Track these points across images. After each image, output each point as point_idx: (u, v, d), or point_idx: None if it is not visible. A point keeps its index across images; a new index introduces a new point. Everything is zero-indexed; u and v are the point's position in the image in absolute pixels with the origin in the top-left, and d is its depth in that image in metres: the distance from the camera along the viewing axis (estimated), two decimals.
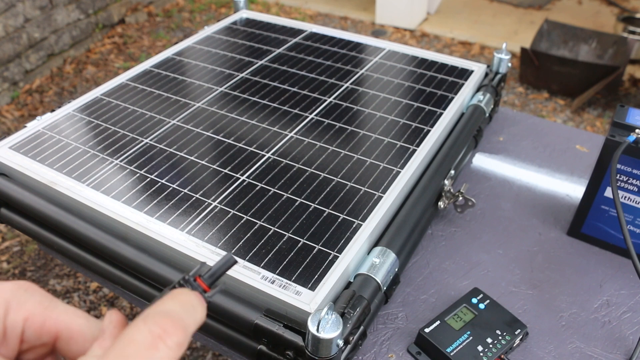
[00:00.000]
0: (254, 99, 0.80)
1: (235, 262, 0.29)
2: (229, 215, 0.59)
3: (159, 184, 0.63)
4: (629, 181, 0.61)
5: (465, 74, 0.86)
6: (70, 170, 0.65)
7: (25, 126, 0.73)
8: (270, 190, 0.62)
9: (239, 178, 0.64)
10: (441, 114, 0.76)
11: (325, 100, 0.79)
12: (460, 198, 0.67)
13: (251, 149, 0.69)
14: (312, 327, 0.43)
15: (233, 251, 0.54)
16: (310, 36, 0.98)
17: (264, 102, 0.79)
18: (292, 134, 0.72)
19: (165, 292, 0.27)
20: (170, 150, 0.69)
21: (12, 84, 2.23)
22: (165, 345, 0.23)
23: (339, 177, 0.64)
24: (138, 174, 0.65)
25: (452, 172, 0.69)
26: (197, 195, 0.61)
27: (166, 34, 2.81)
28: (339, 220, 0.58)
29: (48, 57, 2.39)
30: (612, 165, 0.58)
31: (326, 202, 0.61)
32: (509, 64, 0.87)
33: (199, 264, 0.53)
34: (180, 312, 0.25)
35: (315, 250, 0.54)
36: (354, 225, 0.57)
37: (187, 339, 0.25)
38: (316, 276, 0.51)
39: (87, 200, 0.60)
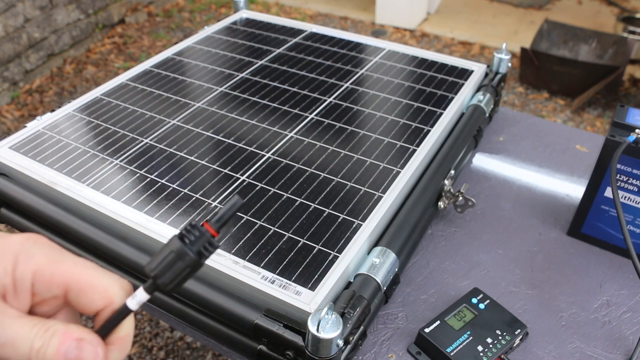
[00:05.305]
0: (254, 99, 0.80)
1: (243, 202, 0.29)
2: None
3: (159, 184, 0.63)
4: (629, 181, 0.61)
5: (465, 74, 0.86)
6: (70, 170, 0.65)
7: (25, 126, 0.73)
8: (270, 190, 0.62)
9: (239, 178, 0.64)
10: (441, 114, 0.76)
11: (325, 100, 0.79)
12: (460, 198, 0.67)
13: (251, 149, 0.69)
14: (312, 327, 0.43)
15: (233, 251, 0.54)
16: (310, 36, 0.98)
17: (264, 102, 0.79)
18: (292, 134, 0.72)
19: (171, 241, 0.27)
20: (170, 150, 0.69)
21: (12, 84, 2.23)
22: None
23: (339, 177, 0.64)
24: (138, 174, 0.65)
25: (452, 172, 0.69)
26: (197, 195, 0.61)
27: (166, 34, 2.81)
28: (339, 220, 0.58)
29: (48, 57, 2.39)
30: (612, 165, 0.58)
31: (326, 202, 0.61)
32: (509, 64, 0.87)
33: None
34: None
35: (315, 250, 0.54)
36: (354, 225, 0.57)
37: None
38: (316, 276, 0.51)
39: (87, 200, 0.60)
